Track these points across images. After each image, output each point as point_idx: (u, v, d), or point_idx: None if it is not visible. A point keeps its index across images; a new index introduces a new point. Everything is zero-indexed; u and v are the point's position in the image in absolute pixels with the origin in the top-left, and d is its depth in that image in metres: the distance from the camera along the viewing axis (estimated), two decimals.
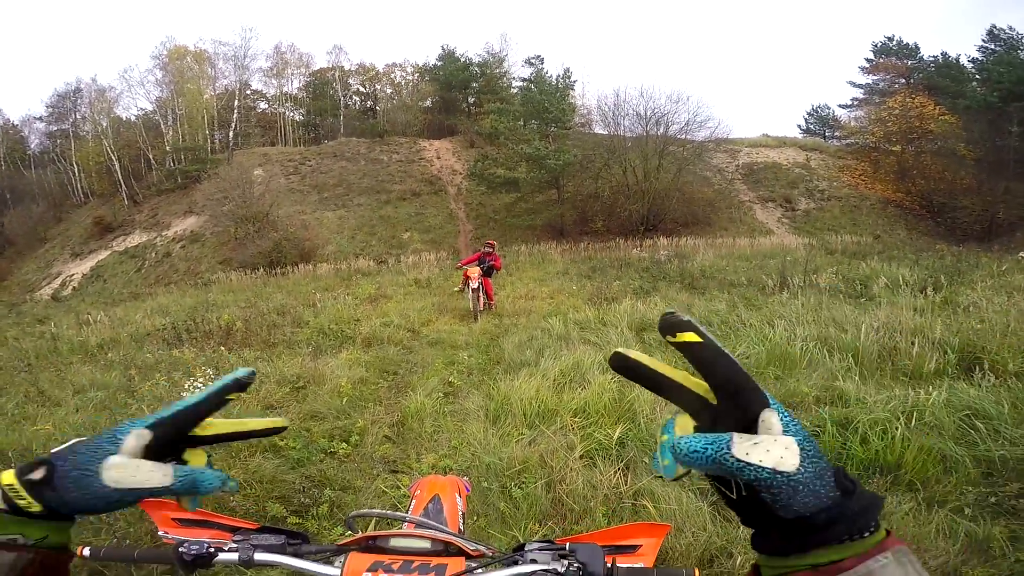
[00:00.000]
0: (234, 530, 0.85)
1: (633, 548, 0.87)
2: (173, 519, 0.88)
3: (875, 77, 35.18)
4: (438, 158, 32.40)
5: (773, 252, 16.76)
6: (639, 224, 22.59)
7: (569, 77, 28.76)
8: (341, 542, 0.83)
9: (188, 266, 25.16)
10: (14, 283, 29.08)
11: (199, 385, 4.33)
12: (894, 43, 34.34)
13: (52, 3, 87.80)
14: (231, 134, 36.97)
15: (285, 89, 43.21)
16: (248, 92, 41.62)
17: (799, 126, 42.98)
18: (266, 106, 44.18)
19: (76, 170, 36.56)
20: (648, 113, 24.44)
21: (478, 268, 9.44)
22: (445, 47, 39.24)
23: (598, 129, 29.32)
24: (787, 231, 24.58)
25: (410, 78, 45.26)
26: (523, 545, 0.80)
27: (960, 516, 2.50)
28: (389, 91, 46.05)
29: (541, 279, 13.89)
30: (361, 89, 46.37)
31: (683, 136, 24.55)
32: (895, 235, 23.48)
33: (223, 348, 6.48)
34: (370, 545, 0.83)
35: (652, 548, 0.88)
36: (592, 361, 5.01)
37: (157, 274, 25.29)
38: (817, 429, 3.31)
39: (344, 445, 3.66)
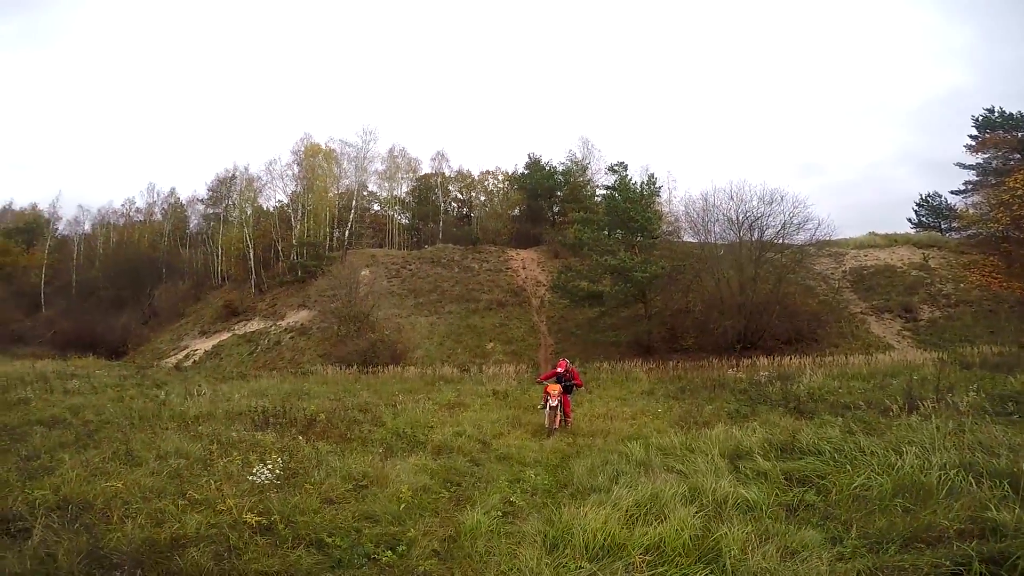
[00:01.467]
0: None
1: None
2: None
3: (985, 155, 31.54)
4: (523, 268, 33.83)
5: (895, 369, 14.60)
6: (735, 341, 20.95)
7: (654, 183, 28.93)
8: None
9: (293, 355, 27.41)
10: (149, 349, 33.36)
11: (266, 471, 4.43)
12: (996, 115, 31.07)
13: (226, 89, 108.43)
14: (347, 233, 40.64)
15: (395, 192, 47.33)
16: (365, 193, 45.95)
17: (910, 220, 38.53)
18: (378, 208, 48.53)
19: (220, 253, 41.62)
20: (740, 217, 23.43)
21: (558, 385, 9.27)
22: (531, 155, 41.30)
23: (687, 237, 29.02)
24: (910, 345, 21.50)
25: (501, 185, 47.91)
26: None
27: None
28: (483, 198, 49.02)
29: (623, 398, 13.21)
30: (459, 196, 49.98)
31: (780, 241, 23.07)
32: None
33: (301, 438, 6.70)
34: None
35: None
36: (674, 492, 4.44)
37: (266, 359, 27.74)
38: (960, 568, 2.76)
39: (389, 553, 3.44)
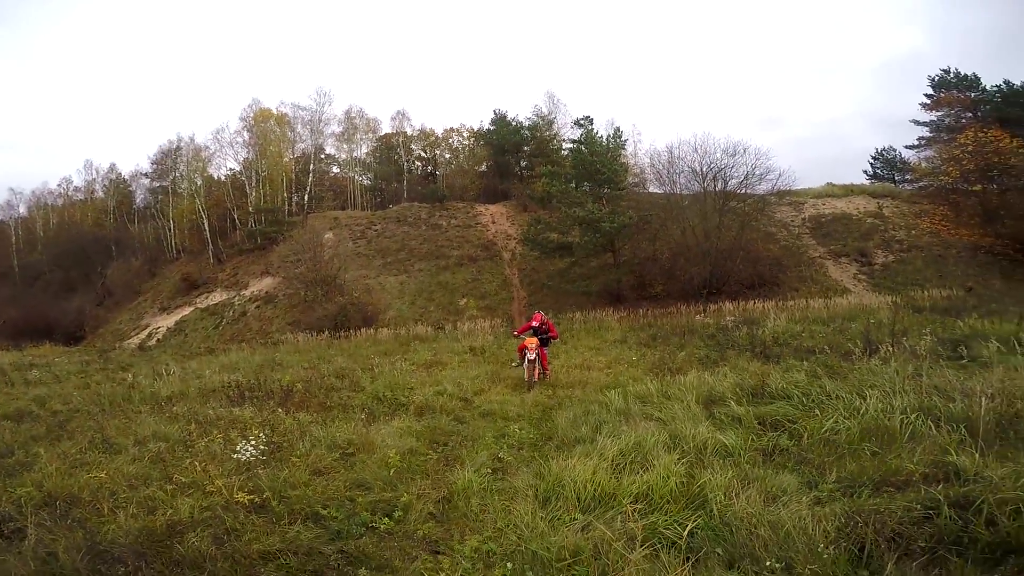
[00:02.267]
0: None
1: None
2: None
3: (939, 113, 33.14)
4: (493, 223, 33.47)
5: (852, 313, 15.43)
6: (701, 288, 21.61)
7: (619, 136, 29.02)
8: None
9: (260, 325, 26.71)
10: (108, 331, 31.99)
11: (249, 448, 4.34)
12: (952, 75, 32.39)
13: (163, 59, 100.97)
14: (306, 197, 39.65)
15: (355, 154, 46.07)
16: (322, 156, 44.80)
17: (865, 172, 39.90)
18: (338, 170, 47.43)
19: (172, 226, 40.00)
20: (704, 169, 23.97)
21: (535, 338, 9.35)
22: (497, 111, 40.78)
23: (653, 189, 29.25)
24: (865, 288, 22.71)
25: (466, 142, 47.15)
26: None
27: None
28: (447, 156, 48.38)
29: (597, 348, 13.48)
30: (422, 154, 48.98)
31: (743, 191, 23.63)
32: (990, 285, 21.06)
33: (280, 410, 6.59)
34: None
35: None
36: (655, 440, 4.60)
37: (232, 332, 26.95)
38: (930, 512, 2.92)
39: (387, 520, 3.48)
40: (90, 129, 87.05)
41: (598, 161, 24.11)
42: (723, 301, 20.45)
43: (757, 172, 23.44)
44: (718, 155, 23.73)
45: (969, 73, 32.11)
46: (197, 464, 4.21)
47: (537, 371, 9.14)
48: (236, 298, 30.16)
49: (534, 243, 24.86)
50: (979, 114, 30.83)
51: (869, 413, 4.68)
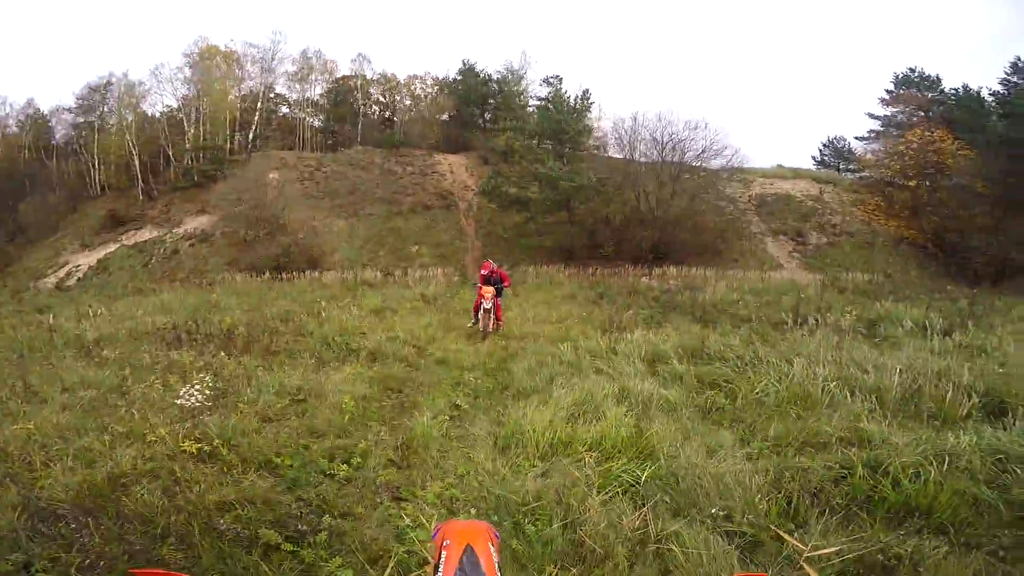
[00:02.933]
0: None
1: None
2: None
3: (894, 109, 34.65)
4: (451, 172, 32.56)
5: (784, 287, 16.57)
6: (648, 252, 22.47)
7: (587, 98, 28.87)
8: None
9: (195, 265, 25.10)
10: (21, 269, 28.97)
11: (195, 392, 4.13)
12: (916, 75, 33.97)
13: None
14: (251, 136, 37.16)
15: (308, 95, 43.24)
16: (272, 96, 41.82)
17: (814, 157, 41.64)
18: (287, 110, 44.20)
19: (96, 162, 36.48)
20: (665, 138, 24.56)
21: (491, 288, 9.39)
22: (465, 62, 39.81)
23: (613, 153, 29.40)
24: (798, 266, 24.37)
25: (429, 90, 45.14)
26: None
27: (995, 559, 2.50)
28: (408, 103, 46.25)
29: (548, 302, 13.74)
30: (381, 99, 46.46)
31: (699, 164, 24.54)
32: (907, 274, 23.22)
33: (223, 353, 6.30)
34: None
35: None
36: (607, 392, 4.82)
37: (163, 271, 25.24)
38: (846, 471, 3.23)
39: (345, 467, 3.45)
40: (3, 64, 74.89)
41: (563, 120, 24.09)
42: (668, 266, 21.40)
43: (714, 147, 24.58)
44: (680, 127, 24.39)
45: (933, 74, 33.63)
46: (135, 412, 3.96)
47: (492, 321, 9.24)
48: (168, 235, 28.02)
49: (492, 195, 24.62)
50: (930, 114, 32.25)
51: (795, 379, 5.07)
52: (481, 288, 9.47)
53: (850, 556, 2.33)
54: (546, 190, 22.75)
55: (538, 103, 30.67)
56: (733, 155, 25.01)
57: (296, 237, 22.91)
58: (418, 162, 33.43)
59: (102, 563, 2.23)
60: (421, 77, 45.79)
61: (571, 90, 31.72)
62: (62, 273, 26.86)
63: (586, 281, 18.42)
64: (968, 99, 31.19)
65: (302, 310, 11.15)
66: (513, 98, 38.72)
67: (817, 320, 8.76)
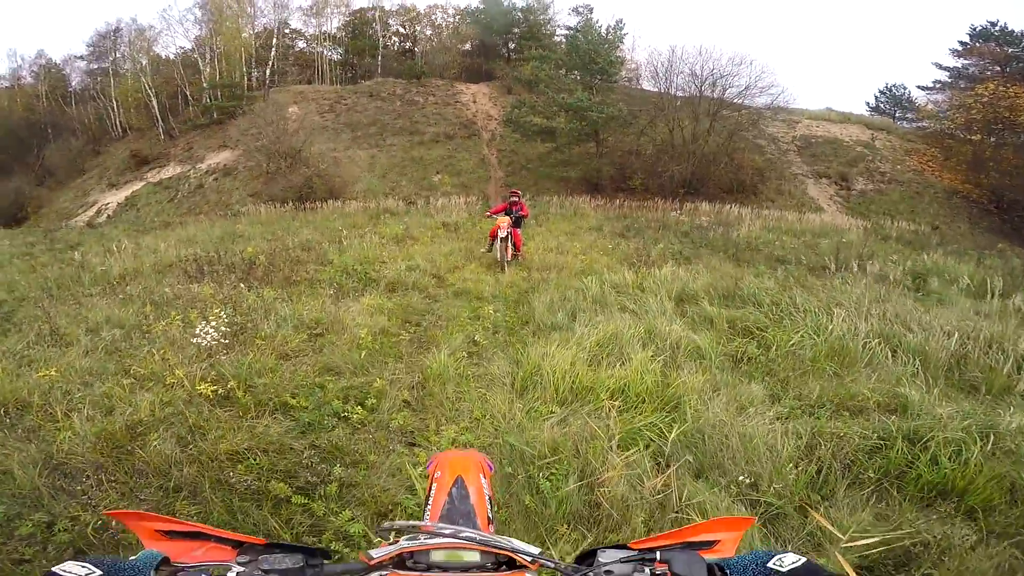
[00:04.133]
0: (237, 545, 0.72)
1: (710, 544, 0.78)
2: (159, 531, 0.74)
3: (967, 61, 31.83)
4: (474, 102, 31.12)
5: (823, 230, 15.69)
6: (680, 186, 21.42)
7: (620, 28, 26.56)
8: (373, 559, 0.70)
9: (219, 198, 25.29)
10: (52, 211, 29.64)
11: (210, 330, 4.07)
12: (996, 28, 30.69)
13: None
14: (268, 72, 36.37)
15: (324, 28, 41.80)
16: (287, 31, 40.70)
17: (868, 103, 39.78)
18: (304, 45, 42.98)
19: (115, 106, 36.46)
20: (705, 73, 22.52)
21: (507, 217, 9.05)
22: None
23: (646, 86, 27.48)
24: (839, 210, 22.99)
25: (451, 20, 43.32)
26: (594, 552, 0.72)
27: (1022, 553, 2.25)
28: (428, 32, 44.19)
29: (572, 233, 13.28)
30: (401, 30, 44.59)
31: (740, 101, 22.62)
32: (955, 227, 21.73)
33: (243, 285, 6.26)
34: (407, 562, 0.74)
35: (732, 542, 0.80)
36: (633, 333, 4.59)
37: (189, 205, 25.49)
38: (883, 442, 2.96)
39: (360, 409, 3.36)
40: (10, 19, 72.61)
41: (594, 49, 22.16)
42: (699, 202, 20.45)
43: (759, 84, 22.31)
44: (722, 62, 22.37)
45: (1017, 29, 30.09)
46: (155, 352, 3.90)
47: (510, 250, 8.97)
48: (192, 171, 28.05)
49: (516, 125, 23.36)
50: (1007, 70, 29.56)
51: (834, 333, 4.71)
52: (497, 220, 9.12)
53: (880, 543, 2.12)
54: (573, 120, 21.45)
55: (566, 32, 28.37)
56: (780, 94, 23.34)
57: (318, 168, 22.53)
58: (440, 92, 32.03)
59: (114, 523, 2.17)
60: (442, 6, 43.89)
61: (603, 20, 29.07)
62: (92, 212, 27.41)
63: (613, 213, 17.73)
64: None
65: (323, 239, 11.05)
66: (539, 27, 36.65)
67: (860, 267, 8.22)
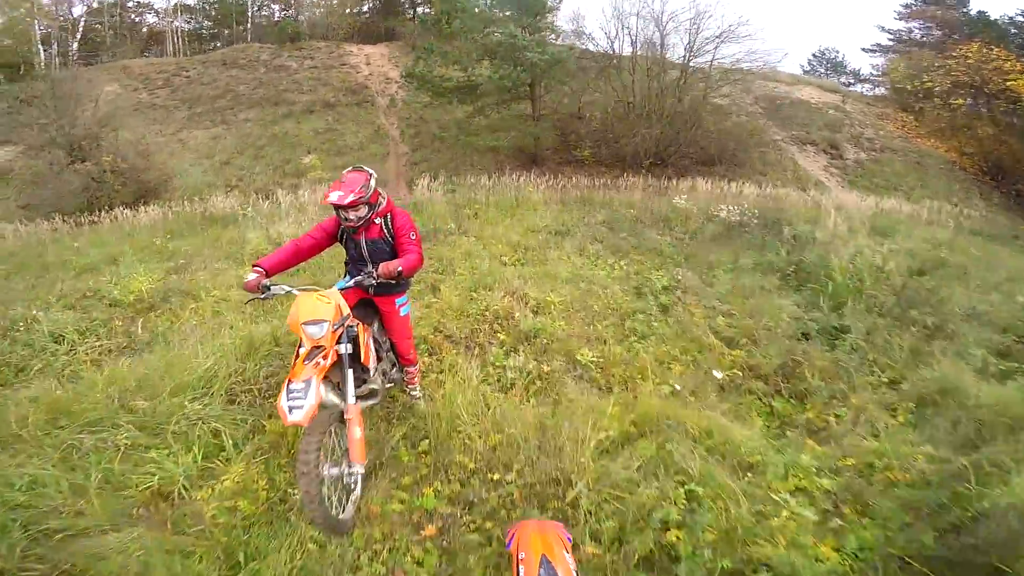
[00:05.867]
0: None
1: None
2: None
3: (909, 24, 31.33)
4: (367, 64, 23.86)
5: (892, 225, 10.60)
6: (645, 156, 15.88)
7: None
8: None
9: None
10: None
11: None
12: None
13: None
14: (75, 46, 27.75)
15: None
16: (131, 3, 32.31)
17: (802, 67, 37.00)
18: (156, 19, 33.89)
19: None
20: (666, 17, 17.34)
21: (333, 297, 2.50)
22: None
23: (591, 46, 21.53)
24: (839, 184, 18.58)
25: None
26: None
27: None
28: None
29: (523, 242, 7.18)
30: None
31: (712, 50, 17.36)
32: (972, 204, 18.00)
33: None
34: None
35: None
36: None
37: None
38: None
39: None
40: None
41: None
42: (669, 175, 15.10)
43: (736, 31, 17.27)
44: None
45: None
46: None
47: (355, 420, 2.47)
48: None
49: (421, 81, 16.36)
50: (949, 34, 29.00)
51: None
52: (296, 318, 2.44)
53: None
54: (506, 66, 14.99)
55: None
56: (756, 53, 18.38)
57: (115, 160, 14.64)
58: (321, 55, 24.44)
59: None
60: None
61: None
62: None
63: (570, 197, 11.64)
64: (985, 22, 27.64)
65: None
66: None
67: None
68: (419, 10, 29.61)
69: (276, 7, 36.08)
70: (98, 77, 22.63)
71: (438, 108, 18.06)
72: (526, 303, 4.89)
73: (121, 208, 13.09)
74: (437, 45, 16.03)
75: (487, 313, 4.54)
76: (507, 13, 16.24)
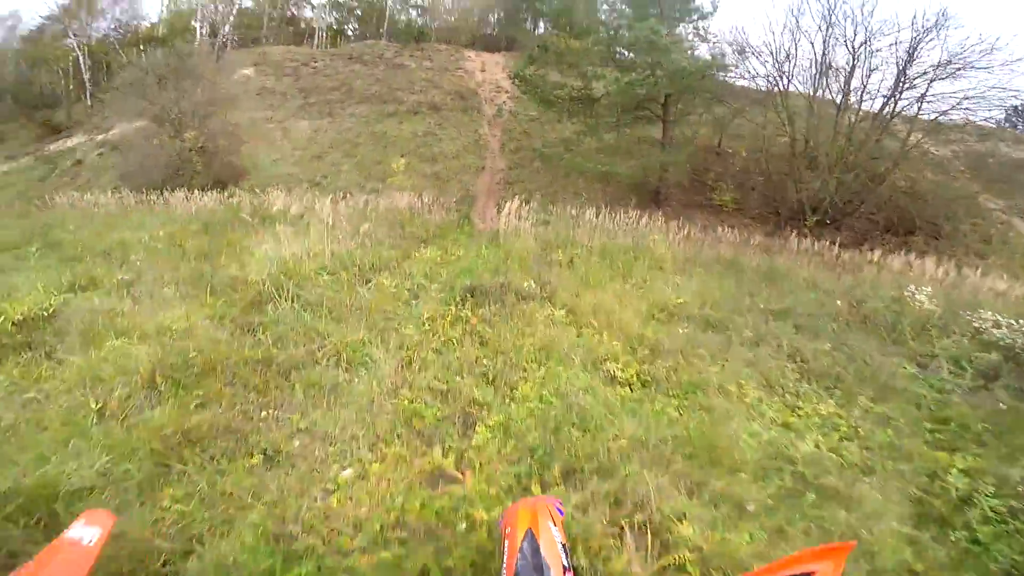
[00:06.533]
0: None
1: None
2: None
3: None
4: (482, 70, 22.48)
5: None
6: (808, 211, 11.98)
7: None
8: None
9: (89, 178, 17.85)
10: None
11: None
12: None
13: None
14: (223, 33, 29.50)
15: None
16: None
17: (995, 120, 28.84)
18: (311, 14, 36.84)
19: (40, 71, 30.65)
20: (873, 29, 12.52)
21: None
22: None
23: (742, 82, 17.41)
24: None
25: None
26: None
27: None
28: (449, 3, 36.51)
29: (654, 342, 4.15)
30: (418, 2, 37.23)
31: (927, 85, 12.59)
32: None
33: None
34: None
35: (831, 573, 0.74)
36: None
37: (59, 183, 17.93)
38: None
39: None
40: None
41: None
42: (844, 243, 10.99)
43: (970, 59, 11.62)
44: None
45: None
46: None
47: None
48: (86, 143, 20.91)
49: (530, 85, 13.74)
50: None
51: None
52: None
53: None
54: (642, 71, 11.63)
55: None
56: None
57: (196, 140, 13.99)
58: (440, 57, 23.68)
59: None
60: None
61: None
62: None
63: (709, 258, 8.20)
64: None
65: None
66: None
67: None
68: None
69: (414, 12, 37.29)
70: (241, 59, 23.71)
71: (546, 124, 15.53)
72: (672, 542, 1.91)
73: (197, 191, 12.22)
74: (553, 43, 13.34)
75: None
76: (653, 12, 13.09)
